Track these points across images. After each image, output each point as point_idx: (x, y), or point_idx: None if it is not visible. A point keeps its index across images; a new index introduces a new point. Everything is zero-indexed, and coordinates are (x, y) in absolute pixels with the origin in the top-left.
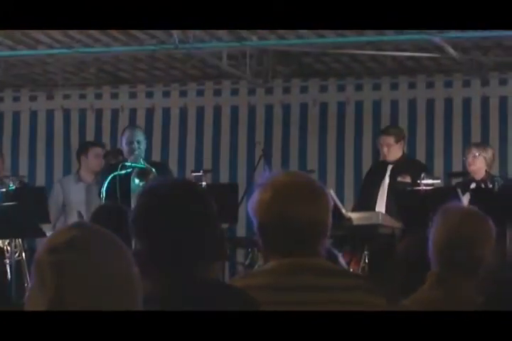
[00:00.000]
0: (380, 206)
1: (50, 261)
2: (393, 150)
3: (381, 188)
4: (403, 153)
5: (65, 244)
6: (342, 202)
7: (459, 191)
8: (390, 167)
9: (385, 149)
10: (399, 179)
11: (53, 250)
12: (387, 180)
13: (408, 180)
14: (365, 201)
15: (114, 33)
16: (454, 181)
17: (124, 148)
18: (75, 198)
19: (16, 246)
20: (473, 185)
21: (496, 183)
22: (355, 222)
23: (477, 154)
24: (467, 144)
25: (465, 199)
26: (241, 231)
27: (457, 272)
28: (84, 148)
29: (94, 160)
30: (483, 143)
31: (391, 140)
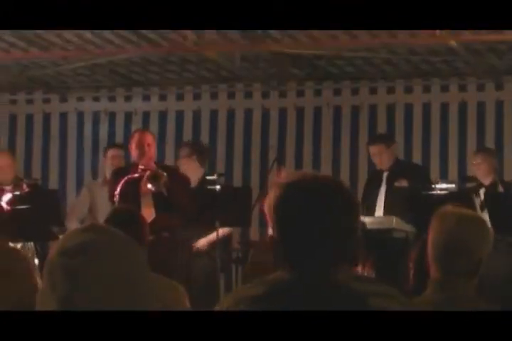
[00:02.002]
0: (378, 213)
1: (61, 263)
2: (385, 157)
3: (378, 197)
4: (396, 157)
5: (77, 247)
6: None
7: (474, 195)
8: (385, 174)
9: (377, 158)
10: (396, 184)
11: (65, 253)
12: (383, 187)
13: (405, 184)
14: (362, 209)
15: (126, 33)
16: (468, 185)
17: (134, 151)
18: (101, 201)
19: (28, 250)
20: (482, 190)
21: None
22: (368, 226)
23: (483, 159)
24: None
25: (476, 204)
26: (254, 234)
27: (458, 277)
28: (104, 149)
29: (110, 160)
30: (489, 149)
31: (382, 148)
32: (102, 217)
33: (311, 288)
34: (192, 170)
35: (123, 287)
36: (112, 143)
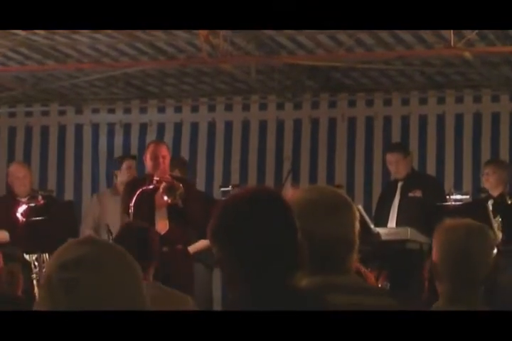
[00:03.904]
0: (391, 224)
1: (59, 277)
2: (401, 166)
3: (392, 206)
4: (412, 168)
5: (74, 260)
6: (370, 217)
7: (489, 206)
8: (400, 184)
9: (394, 166)
10: (410, 195)
11: (63, 267)
12: (397, 197)
13: (419, 194)
14: (376, 220)
15: (141, 46)
16: (482, 196)
17: (149, 162)
18: (111, 211)
19: (43, 261)
20: (490, 202)
21: None
22: (383, 238)
23: (492, 171)
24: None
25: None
26: None
27: (467, 288)
28: (118, 160)
29: (125, 171)
30: (499, 160)
31: (399, 156)
32: (111, 226)
33: (271, 297)
34: None
35: (120, 300)
36: (126, 155)
